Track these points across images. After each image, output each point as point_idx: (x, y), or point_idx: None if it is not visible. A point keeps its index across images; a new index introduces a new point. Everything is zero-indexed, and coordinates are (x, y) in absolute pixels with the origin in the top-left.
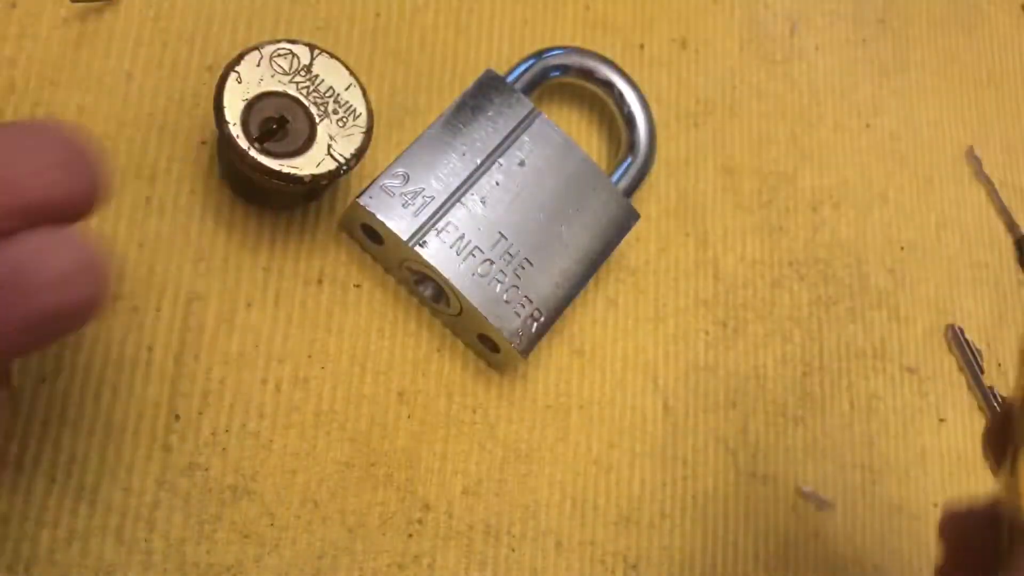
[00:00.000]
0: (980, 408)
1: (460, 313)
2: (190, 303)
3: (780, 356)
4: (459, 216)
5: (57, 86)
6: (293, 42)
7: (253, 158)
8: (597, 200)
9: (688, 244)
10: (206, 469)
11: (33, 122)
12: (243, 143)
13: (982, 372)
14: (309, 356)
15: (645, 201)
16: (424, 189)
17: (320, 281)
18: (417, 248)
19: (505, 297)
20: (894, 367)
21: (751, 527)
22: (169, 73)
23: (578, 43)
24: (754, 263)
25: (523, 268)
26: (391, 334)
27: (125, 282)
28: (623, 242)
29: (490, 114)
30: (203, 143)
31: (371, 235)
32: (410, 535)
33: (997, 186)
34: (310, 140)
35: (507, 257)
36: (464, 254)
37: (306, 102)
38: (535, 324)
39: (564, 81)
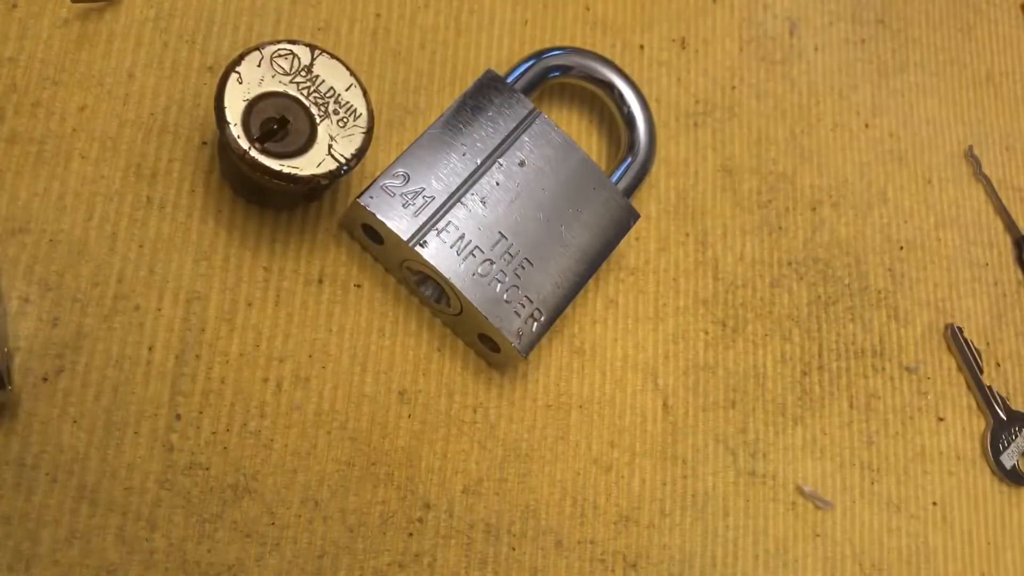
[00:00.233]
0: (979, 408)
1: (460, 313)
2: (191, 302)
3: (779, 355)
4: (459, 216)
5: (58, 86)
6: (294, 42)
7: (254, 158)
8: (597, 200)
9: (688, 244)
10: (207, 468)
11: None
12: (244, 143)
13: (981, 372)
14: (310, 355)
15: (645, 201)
16: (424, 189)
17: (321, 281)
18: (417, 248)
19: (505, 297)
20: (893, 366)
21: (751, 526)
22: (170, 73)
23: (578, 43)
24: (753, 263)
25: (523, 268)
26: (392, 334)
27: (126, 282)
28: (623, 242)
29: (490, 114)
30: (204, 143)
31: (371, 235)
32: (410, 534)
33: (996, 186)
34: (310, 140)
35: (507, 257)
36: (464, 254)
37: (307, 102)
38: (535, 324)
39: (564, 81)
